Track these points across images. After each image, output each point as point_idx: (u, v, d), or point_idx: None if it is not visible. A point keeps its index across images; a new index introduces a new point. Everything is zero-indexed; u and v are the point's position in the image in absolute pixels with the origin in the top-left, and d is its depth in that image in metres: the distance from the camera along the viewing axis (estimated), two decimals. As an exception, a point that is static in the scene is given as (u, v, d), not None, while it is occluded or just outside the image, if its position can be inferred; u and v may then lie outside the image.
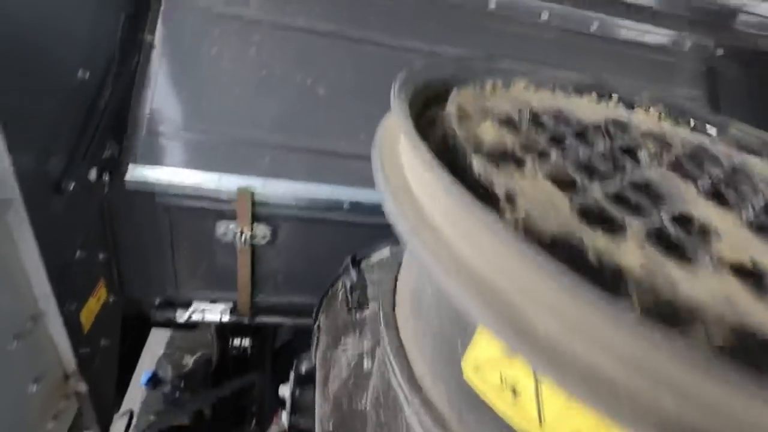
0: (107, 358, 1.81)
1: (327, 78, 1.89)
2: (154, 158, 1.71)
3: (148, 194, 1.73)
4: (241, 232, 1.79)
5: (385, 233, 1.70)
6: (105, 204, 1.75)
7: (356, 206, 1.81)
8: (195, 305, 2.15)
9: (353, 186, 1.81)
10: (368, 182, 1.69)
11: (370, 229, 1.91)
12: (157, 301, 2.14)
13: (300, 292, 2.15)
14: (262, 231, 1.83)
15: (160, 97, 1.75)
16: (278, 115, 1.81)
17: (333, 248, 2.02)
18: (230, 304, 2.13)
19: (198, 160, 1.73)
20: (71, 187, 1.39)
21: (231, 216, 1.78)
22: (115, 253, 1.89)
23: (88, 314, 1.64)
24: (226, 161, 1.75)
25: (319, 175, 1.79)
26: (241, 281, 1.98)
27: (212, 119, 1.77)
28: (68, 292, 1.47)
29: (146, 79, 1.74)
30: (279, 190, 1.76)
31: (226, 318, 2.18)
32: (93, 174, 1.58)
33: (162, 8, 1.79)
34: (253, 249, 1.89)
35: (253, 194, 1.73)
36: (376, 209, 1.90)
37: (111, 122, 1.61)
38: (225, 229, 1.81)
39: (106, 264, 1.85)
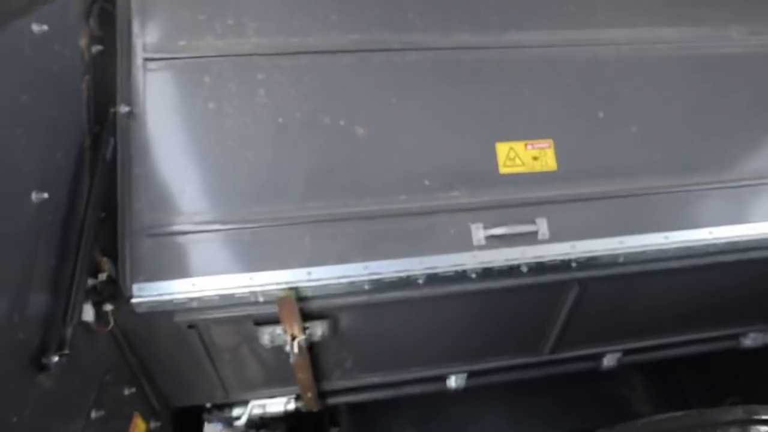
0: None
1: (363, 110, 1.40)
2: (162, 269, 1.30)
3: (167, 313, 1.33)
4: (292, 337, 1.37)
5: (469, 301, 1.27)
6: (118, 335, 1.38)
7: (434, 278, 1.34)
8: (253, 402, 1.78)
9: (426, 253, 1.33)
10: (444, 243, 1.24)
11: (453, 300, 1.45)
12: (208, 405, 1.80)
13: (374, 372, 1.73)
14: (318, 329, 1.40)
15: (154, 183, 1.32)
16: (309, 176, 1.34)
17: (410, 325, 1.58)
18: (292, 394, 1.75)
19: (218, 260, 1.31)
20: (56, 360, 1.01)
21: (274, 319, 1.36)
22: (147, 377, 1.53)
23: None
24: (255, 254, 1.31)
25: (377, 247, 1.33)
26: (301, 383, 1.58)
27: (225, 201, 1.33)
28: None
29: (129, 163, 1.31)
30: (329, 278, 1.31)
31: (291, 407, 1.80)
32: (90, 313, 1.19)
33: (133, 68, 1.34)
34: (312, 345, 1.47)
35: (297, 291, 1.30)
36: (460, 277, 1.43)
37: (94, 237, 1.20)
38: (270, 335, 1.39)
39: (137, 396, 1.50)
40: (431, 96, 1.43)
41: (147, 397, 1.56)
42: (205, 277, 1.30)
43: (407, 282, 1.33)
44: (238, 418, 1.79)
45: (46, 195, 1.05)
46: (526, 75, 1.47)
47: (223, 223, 1.32)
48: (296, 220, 1.32)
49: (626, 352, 1.87)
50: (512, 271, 1.37)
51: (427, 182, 1.36)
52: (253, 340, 1.43)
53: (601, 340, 1.84)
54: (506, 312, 1.58)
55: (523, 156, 1.41)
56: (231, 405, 1.79)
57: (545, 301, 1.56)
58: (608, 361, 1.88)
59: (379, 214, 1.33)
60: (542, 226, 1.38)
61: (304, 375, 1.54)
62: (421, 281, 1.33)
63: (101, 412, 1.24)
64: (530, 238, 1.38)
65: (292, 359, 1.41)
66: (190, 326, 1.38)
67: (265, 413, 1.78)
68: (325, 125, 1.37)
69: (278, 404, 1.76)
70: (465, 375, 1.79)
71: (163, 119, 1.34)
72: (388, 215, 1.34)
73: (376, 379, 1.74)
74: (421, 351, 1.67)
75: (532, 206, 1.39)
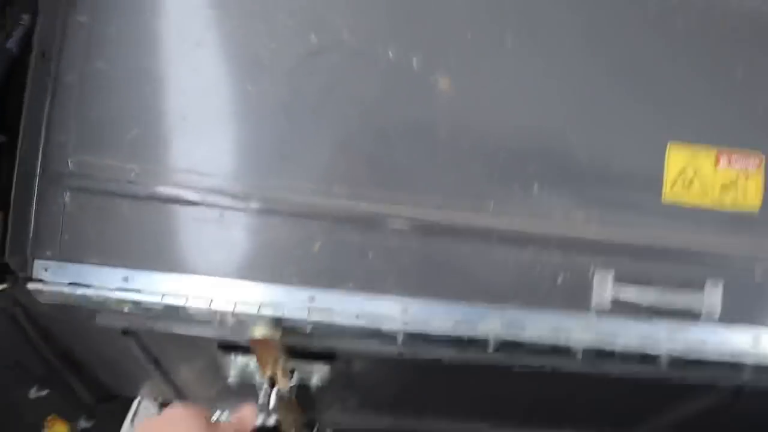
0: None
1: (451, 48, 0.81)
2: (84, 244, 0.82)
3: (85, 310, 0.86)
4: (270, 382, 0.88)
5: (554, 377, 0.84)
6: (20, 317, 0.93)
7: (513, 345, 0.81)
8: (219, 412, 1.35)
9: (509, 303, 0.79)
10: (542, 293, 0.78)
11: (530, 374, 0.92)
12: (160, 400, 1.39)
13: (387, 416, 1.26)
14: (313, 375, 0.91)
15: (95, 105, 0.81)
16: (342, 143, 0.80)
17: (453, 385, 1.07)
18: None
19: (174, 248, 0.81)
20: None
21: (248, 346, 0.87)
22: (71, 368, 1.10)
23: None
24: (233, 251, 0.81)
25: (428, 279, 0.79)
26: (282, 423, 1.12)
27: (205, 157, 0.81)
28: None
29: (57, 62, 0.80)
30: (342, 313, 0.79)
31: (270, 423, 1.37)
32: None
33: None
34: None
35: (284, 331, 0.79)
36: (555, 351, 0.86)
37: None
38: (240, 371, 0.92)
39: (55, 394, 1.08)
40: (571, 42, 0.83)
41: (73, 392, 1.14)
42: (148, 273, 0.81)
43: (469, 344, 0.80)
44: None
45: None
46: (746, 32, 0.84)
47: (195, 190, 0.80)
48: (307, 209, 0.79)
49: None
50: (645, 358, 0.82)
51: (536, 189, 0.79)
52: (219, 368, 0.96)
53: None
54: (597, 397, 1.05)
55: (708, 177, 0.81)
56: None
57: (668, 393, 1.02)
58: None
59: (444, 228, 0.79)
60: (713, 298, 0.81)
61: (286, 417, 1.08)
62: (491, 346, 0.80)
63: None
64: (687, 312, 0.82)
65: (269, 402, 0.93)
66: (125, 332, 0.91)
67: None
68: (385, 61, 0.79)
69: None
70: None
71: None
72: (457, 232, 0.79)
73: (386, 422, 1.27)
74: (456, 409, 1.18)
75: (701, 264, 0.81)
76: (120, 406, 1.34)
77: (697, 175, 0.81)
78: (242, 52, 0.79)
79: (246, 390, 0.99)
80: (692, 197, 0.81)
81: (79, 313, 0.90)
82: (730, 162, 0.81)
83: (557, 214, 0.79)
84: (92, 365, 1.15)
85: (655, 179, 0.81)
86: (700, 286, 0.81)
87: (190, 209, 0.80)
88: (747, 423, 1.18)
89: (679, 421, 1.07)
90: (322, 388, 1.07)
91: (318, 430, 1.25)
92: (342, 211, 0.78)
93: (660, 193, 0.80)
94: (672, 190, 0.81)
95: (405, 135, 0.78)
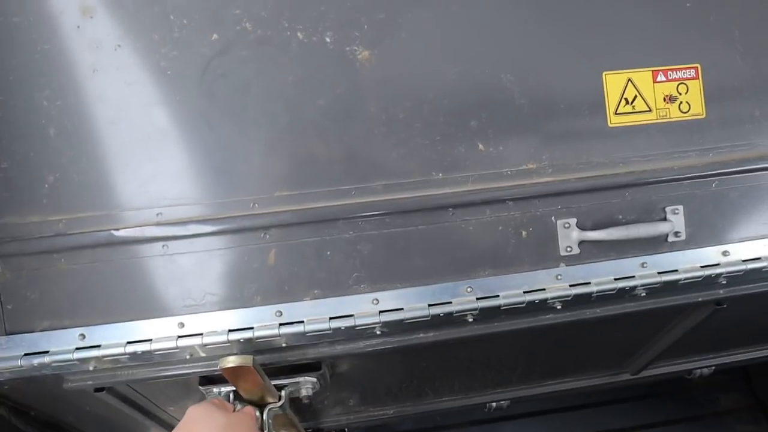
0: None
1: (365, 17, 0.77)
2: (26, 311, 0.76)
3: (51, 377, 0.81)
4: (259, 406, 0.85)
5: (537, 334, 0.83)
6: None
7: (488, 313, 0.79)
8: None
9: (476, 272, 0.78)
10: (509, 254, 0.78)
11: (514, 335, 0.91)
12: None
13: (389, 406, 1.25)
14: (302, 388, 0.88)
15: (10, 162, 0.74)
16: (269, 143, 0.75)
17: (443, 362, 1.06)
18: None
19: (122, 295, 0.76)
20: None
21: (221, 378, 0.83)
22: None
23: None
24: (184, 283, 0.76)
25: (393, 265, 0.77)
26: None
27: (128, 189, 0.75)
28: None
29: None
30: (313, 320, 0.76)
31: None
32: None
33: None
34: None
35: (254, 358, 0.76)
36: (534, 309, 0.84)
37: None
38: (226, 398, 0.88)
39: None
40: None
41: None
42: (105, 326, 0.77)
43: (445, 321, 0.78)
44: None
45: None
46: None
47: (130, 227, 0.75)
48: (252, 222, 0.75)
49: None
50: (621, 294, 0.82)
51: (480, 146, 0.77)
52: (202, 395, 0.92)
53: (700, 353, 1.33)
54: (587, 340, 1.05)
55: (649, 94, 0.80)
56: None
57: (653, 324, 1.03)
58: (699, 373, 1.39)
59: (396, 209, 0.76)
60: (677, 221, 0.81)
61: (288, 431, 1.05)
62: (470, 318, 0.79)
63: None
64: (655, 242, 0.81)
65: (264, 427, 0.90)
66: (98, 390, 0.86)
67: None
68: (296, 44, 0.75)
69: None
70: (508, 402, 1.31)
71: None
72: (410, 210, 0.76)
73: (391, 411, 1.26)
74: (454, 383, 1.17)
75: (660, 186, 0.81)
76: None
77: (640, 93, 0.80)
78: (143, 68, 0.74)
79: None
80: (639, 116, 0.80)
81: (46, 383, 0.86)
82: (666, 76, 0.80)
83: (508, 168, 0.77)
84: (84, 428, 1.10)
85: (598, 108, 0.79)
86: (662, 213, 0.81)
87: (130, 248, 0.76)
88: (729, 335, 1.20)
89: (669, 346, 1.08)
90: (318, 397, 1.05)
91: (325, 435, 1.23)
92: (289, 215, 0.74)
93: (606, 121, 0.79)
94: (616, 114, 0.79)
95: (335, 120, 0.74)
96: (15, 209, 0.75)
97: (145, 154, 0.75)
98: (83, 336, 0.77)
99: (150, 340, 0.76)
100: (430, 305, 0.75)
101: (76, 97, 0.73)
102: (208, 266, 0.76)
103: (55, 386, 0.86)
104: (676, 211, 0.81)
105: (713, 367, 1.37)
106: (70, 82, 0.73)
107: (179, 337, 0.76)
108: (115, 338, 0.77)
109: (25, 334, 0.77)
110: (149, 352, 0.76)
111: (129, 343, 0.76)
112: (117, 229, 0.74)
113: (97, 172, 0.75)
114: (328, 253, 0.75)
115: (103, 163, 0.75)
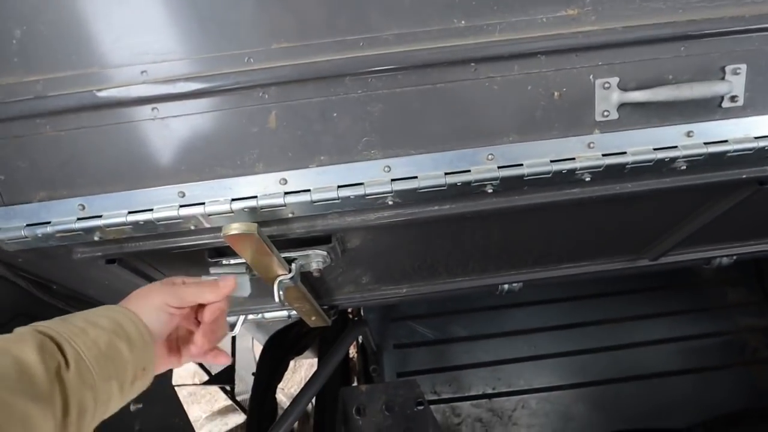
0: None
1: None
2: (22, 181, 0.72)
3: (59, 248, 0.79)
4: (267, 277, 0.84)
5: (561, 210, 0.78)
6: (7, 275, 0.87)
7: (511, 182, 0.72)
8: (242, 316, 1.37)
9: (499, 138, 0.70)
10: (538, 117, 0.69)
11: (535, 210, 0.84)
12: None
13: (401, 285, 1.25)
14: (311, 261, 0.86)
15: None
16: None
17: (458, 237, 1.02)
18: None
19: (120, 159, 0.71)
20: None
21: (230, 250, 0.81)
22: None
23: None
24: (182, 149, 0.70)
25: (406, 129, 0.69)
26: (299, 311, 1.11)
27: (88, 52, 0.66)
28: None
29: None
30: (321, 189, 0.71)
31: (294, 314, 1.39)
32: None
33: None
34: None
35: (259, 226, 0.72)
36: (561, 180, 0.76)
37: None
38: (232, 266, 0.87)
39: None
40: None
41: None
42: (104, 196, 0.73)
43: (462, 192, 0.72)
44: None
45: None
46: None
47: (115, 87, 0.67)
48: (249, 78, 0.66)
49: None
50: (658, 166, 0.74)
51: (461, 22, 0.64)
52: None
53: (724, 241, 1.27)
54: (610, 220, 1.00)
55: None
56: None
57: (684, 203, 0.96)
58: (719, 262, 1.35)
59: (411, 63, 0.66)
60: (737, 83, 0.70)
61: (301, 304, 1.06)
62: (489, 189, 0.72)
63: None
64: (706, 107, 0.71)
65: (275, 298, 0.90)
66: (109, 261, 0.85)
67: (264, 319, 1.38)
68: None
69: (277, 316, 1.35)
70: (521, 284, 1.30)
71: None
72: (427, 65, 0.66)
73: (404, 290, 1.27)
74: (468, 262, 1.15)
75: (724, 39, 0.69)
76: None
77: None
78: None
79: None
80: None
81: (57, 256, 0.85)
82: None
83: (543, 14, 0.65)
84: (105, 300, 1.13)
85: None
86: (720, 72, 0.70)
87: (117, 111, 0.69)
88: (761, 221, 1.13)
89: (695, 232, 1.02)
90: (330, 273, 1.04)
91: (338, 311, 1.26)
92: (289, 70, 0.65)
93: (668, -44, 0.65)
94: (682, -49, 0.64)
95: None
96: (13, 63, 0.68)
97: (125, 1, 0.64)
98: (83, 207, 0.74)
99: (151, 209, 0.73)
100: (446, 173, 0.69)
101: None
102: (204, 130, 0.69)
103: (66, 259, 0.85)
104: (738, 71, 0.69)
105: (734, 257, 1.32)
106: None
107: (181, 206, 0.72)
108: (116, 208, 0.74)
109: (24, 205, 0.75)
110: (152, 222, 0.73)
111: (130, 212, 0.74)
112: (99, 90, 0.67)
113: (69, 22, 0.65)
114: (335, 114, 0.67)
115: (73, 11, 0.65)
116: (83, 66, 0.67)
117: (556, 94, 0.68)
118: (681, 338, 1.91)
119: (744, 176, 0.81)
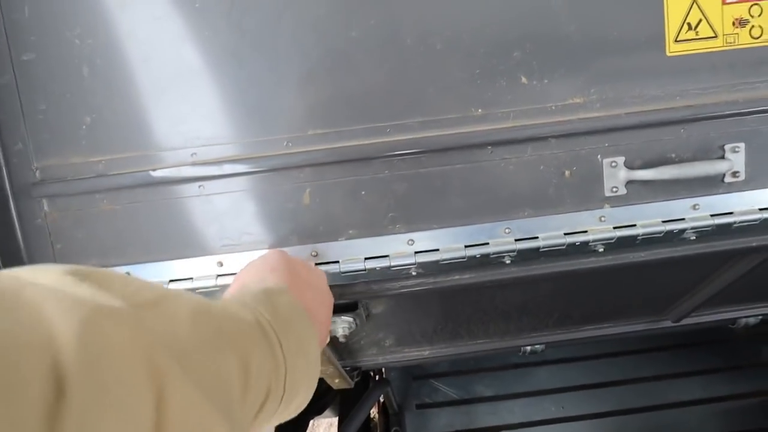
0: None
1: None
2: (70, 254, 0.79)
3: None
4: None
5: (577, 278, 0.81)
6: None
7: (527, 254, 0.77)
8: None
9: (515, 213, 0.75)
10: (551, 194, 0.75)
11: (550, 279, 0.89)
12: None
13: (424, 347, 1.27)
14: (338, 327, 0.90)
15: (49, 107, 0.75)
16: (308, 78, 0.73)
17: (479, 304, 1.06)
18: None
19: (159, 236, 0.78)
20: None
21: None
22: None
23: None
24: (220, 224, 0.77)
25: (428, 206, 0.75)
26: (322, 373, 1.14)
27: (161, 131, 0.75)
28: None
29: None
30: (349, 261, 0.76)
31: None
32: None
33: None
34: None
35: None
36: (575, 251, 0.81)
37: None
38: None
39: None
40: None
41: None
42: (148, 265, 0.79)
43: (481, 262, 0.77)
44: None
45: None
46: None
47: (167, 167, 0.76)
48: (286, 161, 0.74)
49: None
50: (668, 237, 0.78)
51: (523, 80, 0.72)
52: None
53: (748, 302, 1.27)
54: (629, 285, 1.02)
55: (716, 17, 0.72)
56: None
57: (700, 269, 0.99)
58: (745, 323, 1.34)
59: (433, 147, 0.73)
60: (737, 160, 0.75)
61: (326, 368, 1.09)
62: (507, 260, 0.77)
63: None
64: (710, 182, 0.76)
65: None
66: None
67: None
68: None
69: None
70: (543, 346, 1.31)
71: None
72: (447, 148, 0.73)
73: (426, 352, 1.29)
74: (489, 326, 1.17)
75: (721, 121, 0.74)
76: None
77: (706, 16, 0.72)
78: (170, 1, 0.71)
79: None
80: (700, 43, 0.72)
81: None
82: (741, -3, 0.72)
83: (552, 102, 0.72)
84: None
85: (655, 35, 0.72)
86: (720, 151, 0.75)
87: (167, 189, 0.77)
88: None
89: (716, 294, 1.04)
90: (354, 337, 1.08)
91: (360, 373, 1.27)
92: (323, 153, 0.73)
93: (663, 49, 0.72)
94: (676, 42, 0.72)
95: (370, 51, 0.71)
96: (57, 151, 0.77)
97: (177, 92, 0.74)
98: (129, 274, 0.80)
99: (191, 278, 0.79)
100: (466, 246, 0.74)
101: (106, 35, 0.72)
102: (244, 206, 0.76)
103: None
104: (737, 149, 0.75)
105: (760, 317, 1.32)
106: (99, 18, 0.71)
107: (218, 276, 0.78)
108: (159, 276, 0.80)
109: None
110: (191, 291, 0.79)
111: (171, 281, 0.79)
112: (154, 170, 0.75)
113: (131, 111, 0.75)
114: (363, 192, 0.74)
115: (135, 102, 0.74)
116: (141, 149, 0.76)
117: (567, 172, 0.74)
118: (717, 399, 1.83)
119: (755, 244, 0.84)
